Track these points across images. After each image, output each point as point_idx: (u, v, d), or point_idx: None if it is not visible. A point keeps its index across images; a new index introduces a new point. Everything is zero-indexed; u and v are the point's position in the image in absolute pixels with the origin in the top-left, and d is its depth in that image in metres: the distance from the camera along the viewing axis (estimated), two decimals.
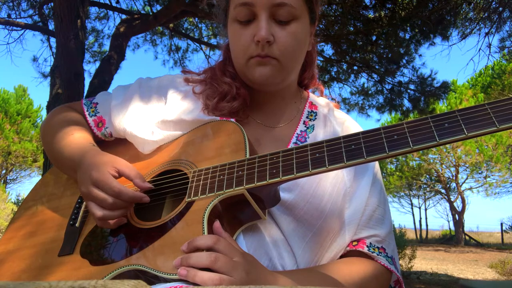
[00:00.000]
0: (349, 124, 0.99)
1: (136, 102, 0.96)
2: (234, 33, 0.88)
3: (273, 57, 0.84)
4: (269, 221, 0.80)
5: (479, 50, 5.57)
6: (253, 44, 0.84)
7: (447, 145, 16.55)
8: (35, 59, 6.77)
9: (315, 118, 0.97)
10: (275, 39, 0.83)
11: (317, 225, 0.80)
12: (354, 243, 0.86)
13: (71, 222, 0.86)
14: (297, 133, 0.93)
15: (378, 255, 0.84)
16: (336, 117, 0.99)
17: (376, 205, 0.89)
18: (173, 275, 0.65)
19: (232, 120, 0.88)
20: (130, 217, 0.81)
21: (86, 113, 1.01)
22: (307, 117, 0.97)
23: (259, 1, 0.82)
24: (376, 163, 0.96)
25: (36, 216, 0.93)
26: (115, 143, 1.00)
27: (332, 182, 0.84)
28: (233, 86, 0.93)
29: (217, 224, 0.71)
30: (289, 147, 0.84)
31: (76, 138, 0.91)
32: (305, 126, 0.95)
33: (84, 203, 0.90)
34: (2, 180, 19.92)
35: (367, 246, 0.85)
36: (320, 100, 1.04)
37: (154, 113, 0.93)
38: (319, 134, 0.93)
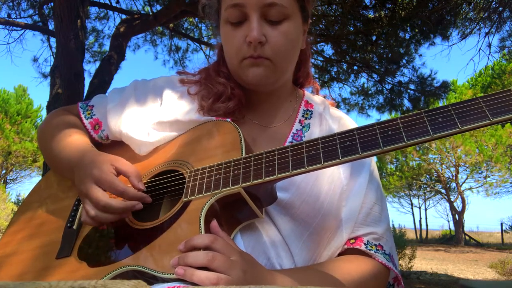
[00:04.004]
0: (345, 121, 0.99)
1: (132, 104, 0.96)
2: (226, 34, 0.88)
3: (266, 57, 0.84)
4: (267, 220, 0.80)
5: (479, 50, 5.57)
6: (245, 45, 0.84)
7: (447, 145, 16.56)
8: (35, 59, 6.78)
9: (311, 117, 0.97)
10: (267, 40, 0.83)
11: (314, 224, 0.81)
12: (352, 241, 0.86)
13: (68, 225, 0.86)
14: (293, 132, 0.93)
15: (375, 252, 0.84)
16: (331, 115, 0.99)
17: (373, 202, 0.89)
18: (171, 275, 0.65)
19: (228, 120, 0.88)
20: (127, 218, 0.81)
21: (82, 115, 1.01)
22: (302, 116, 0.97)
23: (249, 2, 0.82)
24: (373, 161, 0.96)
25: (34, 219, 0.93)
26: (112, 146, 0.99)
27: (328, 181, 0.84)
28: (227, 86, 0.93)
29: (214, 223, 0.71)
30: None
31: (75, 140, 0.91)
32: (301, 125, 0.95)
33: (82, 205, 0.90)
34: (2, 180, 19.92)
35: (365, 244, 0.85)
36: (316, 98, 1.04)
37: (150, 114, 0.93)
38: (315, 132, 0.93)
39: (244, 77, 0.88)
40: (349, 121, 1.00)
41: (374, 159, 0.99)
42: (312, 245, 0.81)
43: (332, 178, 0.85)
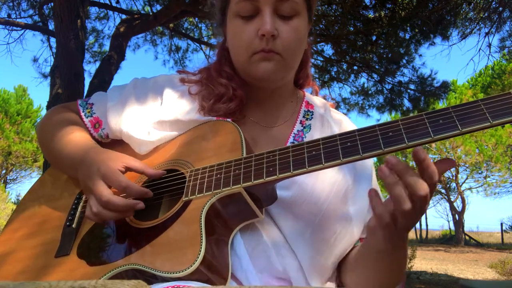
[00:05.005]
0: (346, 124, 0.99)
1: (132, 102, 0.96)
2: (236, 28, 0.87)
3: (277, 52, 0.84)
4: (268, 220, 0.80)
5: (479, 50, 5.58)
6: (256, 39, 0.83)
7: (447, 145, 16.55)
8: (35, 59, 6.78)
9: (312, 118, 0.97)
10: (278, 34, 0.83)
11: (316, 222, 0.80)
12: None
13: (67, 223, 0.86)
14: (294, 133, 0.93)
15: None
16: (333, 117, 0.99)
17: None
18: (171, 274, 0.65)
19: (229, 120, 0.88)
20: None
21: (82, 114, 1.00)
22: (303, 117, 0.97)
23: None
24: (373, 167, 0.96)
25: (33, 218, 0.93)
26: (111, 145, 0.99)
27: (331, 181, 0.84)
28: (229, 87, 0.92)
29: (383, 168, 0.64)
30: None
31: (76, 137, 0.91)
32: (302, 126, 0.95)
33: (81, 204, 0.89)
34: (2, 180, 19.93)
35: None
36: (316, 100, 1.04)
37: (150, 113, 0.93)
38: (316, 134, 0.93)
39: (253, 72, 0.87)
40: (350, 124, 1.00)
41: (373, 163, 1.00)
42: (316, 242, 0.81)
43: (336, 179, 0.84)
